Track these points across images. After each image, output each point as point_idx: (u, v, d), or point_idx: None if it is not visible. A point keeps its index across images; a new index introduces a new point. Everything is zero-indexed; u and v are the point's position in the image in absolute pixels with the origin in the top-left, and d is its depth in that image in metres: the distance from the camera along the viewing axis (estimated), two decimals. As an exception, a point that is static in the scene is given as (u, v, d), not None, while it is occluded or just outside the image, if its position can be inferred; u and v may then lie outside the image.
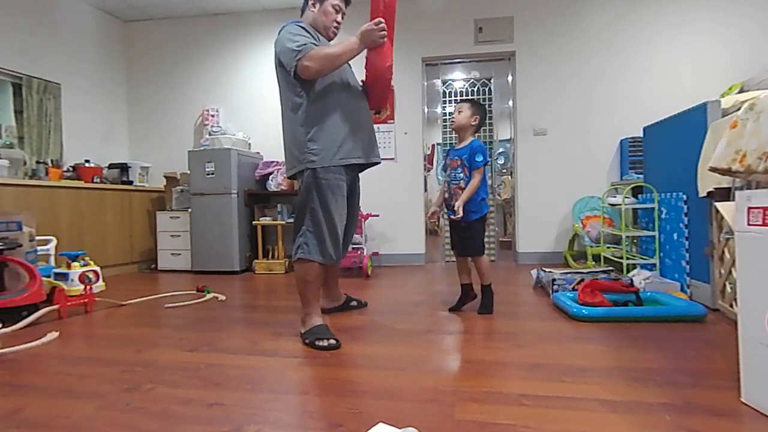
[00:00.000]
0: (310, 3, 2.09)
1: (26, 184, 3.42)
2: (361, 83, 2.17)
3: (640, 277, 2.61)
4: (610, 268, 2.98)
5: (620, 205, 3.15)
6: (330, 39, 2.11)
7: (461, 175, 2.29)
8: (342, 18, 2.13)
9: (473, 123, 2.33)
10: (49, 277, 2.68)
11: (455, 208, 2.20)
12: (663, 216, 2.83)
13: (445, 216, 2.51)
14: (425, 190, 4.62)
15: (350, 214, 2.17)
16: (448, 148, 2.51)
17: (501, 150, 4.80)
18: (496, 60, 4.56)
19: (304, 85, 1.94)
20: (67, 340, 2.05)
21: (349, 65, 2.12)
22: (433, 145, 5.24)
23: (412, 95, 4.52)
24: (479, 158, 2.25)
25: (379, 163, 2.18)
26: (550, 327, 2.07)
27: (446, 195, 2.38)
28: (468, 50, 4.42)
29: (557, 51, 4.28)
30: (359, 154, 2.02)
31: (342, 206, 1.99)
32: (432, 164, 5.26)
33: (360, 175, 2.24)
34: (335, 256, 1.97)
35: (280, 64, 1.99)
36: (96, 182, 4.04)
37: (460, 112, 2.34)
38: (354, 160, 2.00)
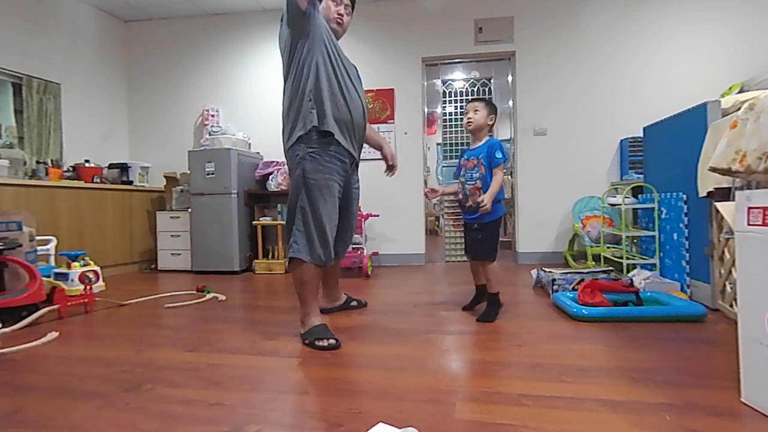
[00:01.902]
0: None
1: (26, 184, 3.42)
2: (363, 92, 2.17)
3: (640, 277, 2.61)
4: (610, 268, 2.98)
5: (620, 205, 3.15)
6: (335, 31, 2.10)
7: (477, 174, 2.22)
8: (344, 10, 2.13)
9: (489, 122, 2.27)
10: (49, 277, 2.68)
11: (483, 202, 2.09)
12: (663, 216, 2.83)
13: (455, 218, 2.46)
14: (425, 182, 4.62)
15: (346, 215, 2.17)
16: (464, 149, 2.44)
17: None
18: (496, 60, 4.56)
19: (303, 61, 1.95)
20: (67, 340, 2.05)
21: (356, 69, 2.14)
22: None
23: (412, 95, 4.52)
24: (499, 155, 2.16)
25: (357, 160, 2.17)
26: (550, 327, 2.07)
27: (461, 196, 2.31)
28: (468, 50, 4.42)
29: (557, 51, 4.28)
30: (346, 143, 2.02)
31: (332, 207, 1.99)
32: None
33: (360, 174, 2.25)
34: (324, 256, 1.96)
35: (282, 38, 2.01)
36: (96, 182, 4.04)
37: (476, 111, 2.26)
38: (341, 141, 1.98)
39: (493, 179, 2.18)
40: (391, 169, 2.43)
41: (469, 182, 2.26)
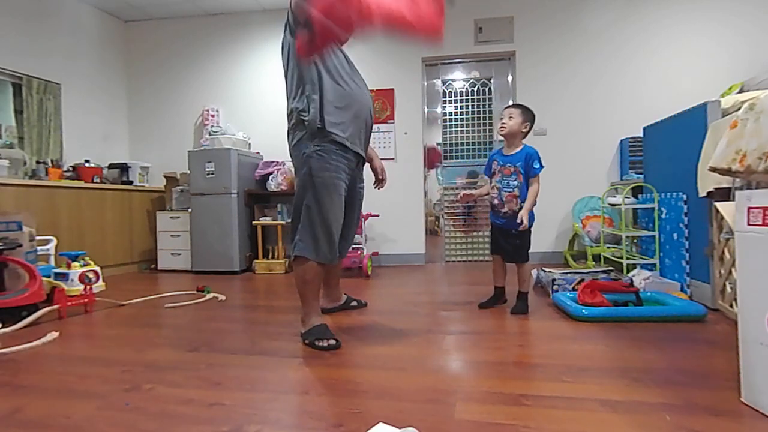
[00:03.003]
0: None
1: (26, 184, 3.42)
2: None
3: (640, 277, 2.61)
4: (610, 268, 2.97)
5: (620, 205, 3.15)
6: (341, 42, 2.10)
7: (515, 182, 2.27)
8: None
9: (524, 130, 2.31)
10: (49, 277, 2.68)
11: (523, 222, 2.17)
12: (663, 216, 2.83)
13: (491, 222, 2.46)
14: (425, 192, 4.62)
15: (349, 214, 2.16)
16: (495, 151, 2.45)
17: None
18: (496, 60, 4.56)
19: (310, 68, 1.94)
20: (67, 340, 2.05)
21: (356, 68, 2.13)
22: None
23: (412, 95, 4.53)
24: (537, 165, 2.23)
25: (363, 157, 2.15)
26: (550, 327, 2.07)
27: (496, 201, 2.34)
28: (468, 50, 4.42)
29: (557, 51, 4.28)
30: (352, 140, 2.00)
31: (338, 205, 1.98)
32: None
33: (364, 175, 2.25)
34: (329, 254, 1.96)
35: (286, 44, 2.00)
36: (96, 182, 4.05)
37: (511, 117, 2.29)
38: (347, 143, 1.97)
39: (530, 191, 2.26)
40: (380, 182, 2.46)
41: (506, 189, 2.30)
